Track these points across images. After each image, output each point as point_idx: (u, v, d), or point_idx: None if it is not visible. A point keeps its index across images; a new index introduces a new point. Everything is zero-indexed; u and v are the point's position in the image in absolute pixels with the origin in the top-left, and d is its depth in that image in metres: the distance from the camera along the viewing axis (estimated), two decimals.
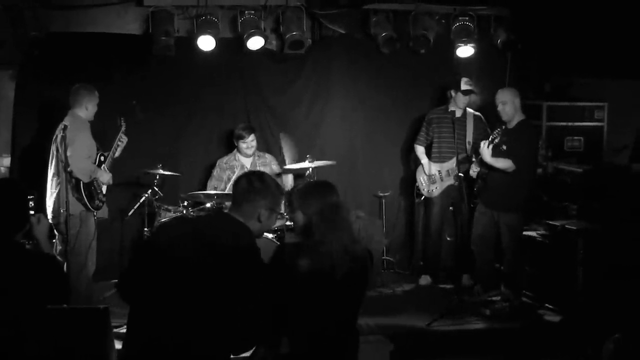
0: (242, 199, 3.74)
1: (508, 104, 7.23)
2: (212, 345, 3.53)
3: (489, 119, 7.96)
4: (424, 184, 8.13)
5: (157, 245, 3.72)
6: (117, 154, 7.21)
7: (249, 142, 7.87)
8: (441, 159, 8.05)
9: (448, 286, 7.93)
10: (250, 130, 7.92)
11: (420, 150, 8.22)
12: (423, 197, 8.23)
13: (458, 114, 7.90)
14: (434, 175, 8.06)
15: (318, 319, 3.73)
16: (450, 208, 8.20)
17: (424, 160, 8.15)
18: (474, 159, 7.62)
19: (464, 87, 7.86)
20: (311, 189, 4.06)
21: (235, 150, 8.02)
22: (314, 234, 3.81)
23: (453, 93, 7.95)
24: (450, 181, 7.95)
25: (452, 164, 7.88)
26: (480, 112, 8.28)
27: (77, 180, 6.76)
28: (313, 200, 3.86)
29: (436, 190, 8.07)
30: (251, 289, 3.56)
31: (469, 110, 8.03)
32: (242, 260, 3.58)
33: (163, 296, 3.52)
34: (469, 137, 7.88)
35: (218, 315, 3.51)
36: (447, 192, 8.04)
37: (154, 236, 3.73)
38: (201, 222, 4.03)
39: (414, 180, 8.30)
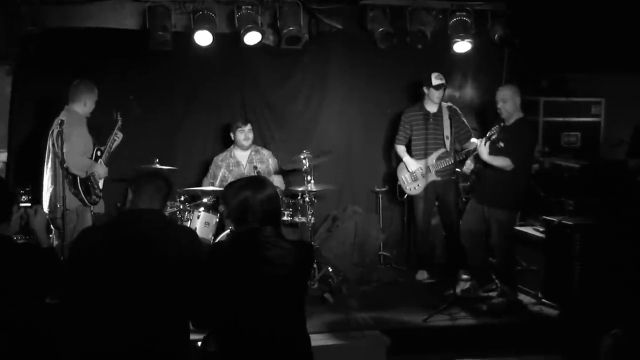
0: (142, 190, 3.84)
1: (508, 102, 7.21)
2: (174, 335, 3.57)
3: (489, 113, 7.96)
4: (406, 183, 8.13)
5: (83, 262, 3.68)
6: (112, 149, 7.22)
7: (246, 132, 7.90)
8: (421, 156, 8.06)
9: (444, 281, 7.91)
10: (246, 120, 7.98)
11: (401, 149, 8.22)
12: (406, 195, 8.22)
13: (433, 109, 7.94)
14: (415, 172, 8.06)
15: (253, 317, 3.71)
16: (436, 203, 8.21)
17: (406, 158, 8.13)
18: (454, 152, 7.64)
19: (435, 82, 7.88)
20: (228, 185, 4.03)
21: (232, 146, 8.03)
22: (245, 233, 3.87)
23: (426, 89, 7.97)
24: (432, 177, 7.98)
25: (432, 159, 7.94)
26: (478, 107, 8.30)
27: (74, 176, 6.77)
28: (229, 197, 3.90)
29: (419, 187, 8.07)
30: (190, 260, 3.68)
31: (444, 104, 8.03)
32: (168, 236, 3.68)
33: (113, 303, 3.53)
34: (447, 132, 7.88)
35: (173, 300, 3.56)
36: (430, 187, 8.05)
37: (72, 259, 3.71)
38: (118, 223, 3.96)
39: (396, 179, 8.29)
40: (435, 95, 7.91)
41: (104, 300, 3.56)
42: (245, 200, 3.81)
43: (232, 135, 7.99)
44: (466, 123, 8.10)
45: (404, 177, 8.15)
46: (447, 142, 7.81)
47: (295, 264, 3.77)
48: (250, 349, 3.68)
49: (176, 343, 3.65)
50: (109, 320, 3.55)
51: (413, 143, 8.14)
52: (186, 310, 3.71)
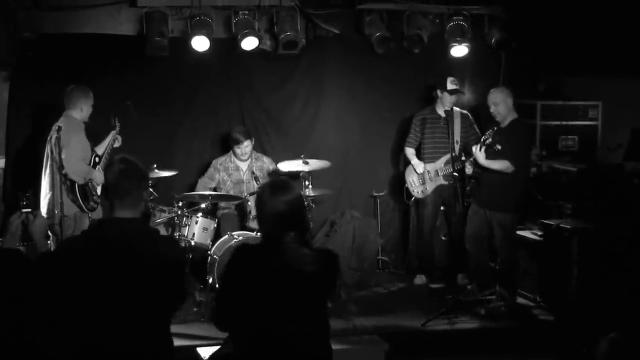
0: (127, 193, 3.69)
1: (500, 105, 7.22)
2: (157, 342, 3.56)
3: (483, 118, 7.96)
4: (414, 185, 8.12)
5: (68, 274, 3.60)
6: (110, 155, 7.23)
7: (243, 148, 7.86)
8: (430, 159, 8.06)
9: (443, 286, 7.92)
10: (247, 135, 7.92)
11: (410, 151, 8.21)
12: (413, 198, 8.22)
13: (445, 113, 7.94)
14: (423, 175, 8.06)
15: (271, 321, 3.66)
16: (442, 207, 8.21)
17: (414, 161, 8.13)
18: (463, 157, 7.63)
19: (450, 86, 7.87)
20: (259, 194, 3.93)
21: (231, 151, 8.01)
22: (265, 237, 3.83)
23: (439, 93, 7.97)
24: (440, 181, 7.97)
25: (440, 163, 7.93)
26: (474, 111, 8.29)
27: (72, 182, 6.77)
28: (259, 203, 3.83)
29: (426, 190, 8.07)
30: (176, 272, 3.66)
31: (456, 109, 8.02)
32: (157, 253, 3.64)
33: (94, 312, 3.51)
34: (457, 136, 7.87)
35: (154, 307, 3.57)
36: (437, 191, 8.04)
37: (53, 269, 3.64)
38: (98, 232, 3.77)
39: (404, 181, 8.29)
40: (448, 99, 7.88)
41: (85, 309, 3.52)
42: (264, 204, 3.76)
43: (230, 145, 7.97)
44: (476, 129, 8.05)
45: (411, 180, 8.14)
46: (457, 147, 7.80)
47: (316, 272, 3.70)
48: (268, 355, 3.65)
49: (159, 350, 3.63)
50: (91, 329, 3.52)
51: (423, 146, 8.14)
52: (170, 316, 3.70)
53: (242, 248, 3.85)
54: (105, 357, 3.51)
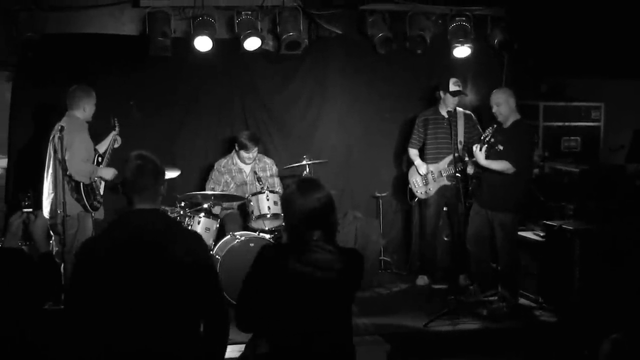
0: (144, 188, 3.68)
1: (502, 105, 7.21)
2: (184, 339, 3.52)
3: (486, 119, 7.95)
4: (417, 186, 8.12)
5: (94, 265, 3.54)
6: (110, 155, 7.24)
7: (252, 154, 7.88)
8: (433, 160, 8.05)
9: (445, 286, 7.91)
10: (255, 142, 7.91)
11: (413, 152, 8.20)
12: (417, 199, 8.21)
13: (448, 114, 7.93)
14: (426, 176, 8.05)
15: (298, 320, 3.65)
16: (445, 208, 8.20)
17: (417, 161, 8.12)
18: (467, 158, 7.62)
19: (452, 88, 7.86)
20: (288, 191, 3.91)
21: (234, 152, 8.00)
22: (291, 235, 3.80)
23: (442, 94, 7.95)
24: (443, 182, 7.96)
25: (444, 164, 7.92)
26: (477, 112, 8.28)
27: (77, 182, 6.76)
28: (286, 202, 3.82)
29: (430, 191, 8.06)
30: (202, 267, 3.59)
31: (459, 109, 8.02)
32: (174, 237, 3.60)
33: (121, 310, 3.45)
34: (460, 137, 7.86)
35: (182, 303, 3.51)
36: (440, 192, 8.04)
37: (85, 260, 3.57)
38: (120, 227, 3.70)
39: (407, 182, 8.28)
40: (451, 100, 7.87)
41: (112, 307, 3.49)
42: (293, 202, 3.75)
43: (236, 146, 7.96)
44: (480, 129, 8.01)
45: (415, 181, 8.13)
46: (460, 148, 7.79)
47: (341, 271, 3.68)
48: (292, 354, 3.63)
49: (186, 346, 3.60)
50: (117, 326, 3.48)
51: (426, 147, 8.14)
52: (197, 313, 3.65)
53: (267, 248, 3.83)
54: (132, 354, 3.47)
